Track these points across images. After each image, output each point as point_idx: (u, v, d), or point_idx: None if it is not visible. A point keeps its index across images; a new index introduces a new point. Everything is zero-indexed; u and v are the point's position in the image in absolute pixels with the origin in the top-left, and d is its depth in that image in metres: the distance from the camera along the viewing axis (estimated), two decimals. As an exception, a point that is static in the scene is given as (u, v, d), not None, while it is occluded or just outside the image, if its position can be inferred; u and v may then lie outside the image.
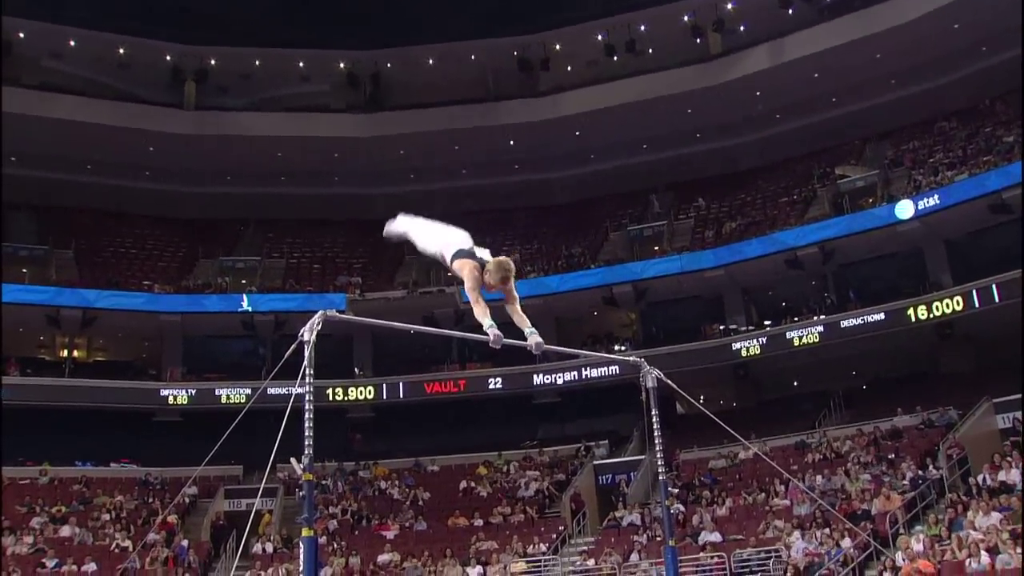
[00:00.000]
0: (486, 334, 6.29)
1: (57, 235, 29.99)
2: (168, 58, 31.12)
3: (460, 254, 6.60)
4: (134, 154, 30.53)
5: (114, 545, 21.41)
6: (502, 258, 6.48)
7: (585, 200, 33.30)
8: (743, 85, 29.16)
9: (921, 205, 24.72)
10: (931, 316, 24.14)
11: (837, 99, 29.65)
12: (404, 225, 7.25)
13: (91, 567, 19.93)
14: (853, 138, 30.58)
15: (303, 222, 34.16)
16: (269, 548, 21.96)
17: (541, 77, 32.14)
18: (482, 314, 6.29)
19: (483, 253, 6.61)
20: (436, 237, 6.96)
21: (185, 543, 21.68)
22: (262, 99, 32.42)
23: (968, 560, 14.09)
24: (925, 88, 28.72)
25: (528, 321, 6.54)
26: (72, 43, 30.15)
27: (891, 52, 27.57)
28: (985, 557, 13.95)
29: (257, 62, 31.92)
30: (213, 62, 31.57)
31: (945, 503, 17.50)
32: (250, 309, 28.51)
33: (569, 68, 32.47)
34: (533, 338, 6.46)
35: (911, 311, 24.43)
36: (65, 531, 22.07)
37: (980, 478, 17.89)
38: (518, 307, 6.54)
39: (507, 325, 6.49)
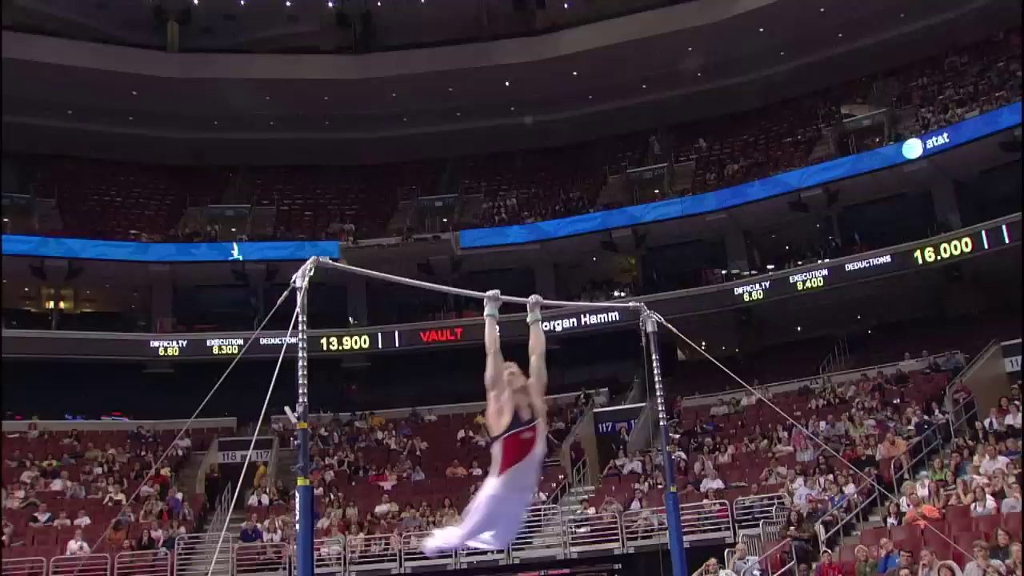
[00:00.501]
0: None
1: (40, 183, 29.35)
2: (150, -2, 30.21)
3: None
4: (117, 98, 29.71)
5: (107, 498, 21.27)
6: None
7: (583, 143, 32.72)
8: (745, 21, 28.34)
9: (929, 144, 24.21)
10: (939, 258, 23.77)
11: (843, 34, 28.86)
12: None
13: (84, 520, 19.77)
14: (860, 75, 29.90)
15: (293, 168, 33.62)
16: (265, 500, 21.95)
17: (537, 15, 31.46)
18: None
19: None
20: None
21: (179, 496, 21.63)
22: (248, 41, 31.60)
23: (973, 504, 13.93)
24: (935, 21, 27.93)
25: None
26: (49, -18, 29.21)
27: (900, -17, 26.81)
28: (990, 501, 13.79)
29: (242, 2, 31.02)
30: (196, 2, 30.70)
31: (951, 448, 17.36)
32: (241, 258, 28.13)
33: (566, 5, 31.72)
34: (533, 297, 6.15)
35: (918, 253, 24.07)
36: (57, 485, 21.91)
37: (987, 422, 17.70)
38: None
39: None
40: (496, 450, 5.48)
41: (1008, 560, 11.32)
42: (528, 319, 5.99)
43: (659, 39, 28.89)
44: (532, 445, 5.45)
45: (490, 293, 5.86)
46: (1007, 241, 22.37)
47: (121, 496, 20.98)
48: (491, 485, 5.44)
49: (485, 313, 5.78)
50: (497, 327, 5.67)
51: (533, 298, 6.11)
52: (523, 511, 5.82)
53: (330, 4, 31.62)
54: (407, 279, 7.14)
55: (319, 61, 31.38)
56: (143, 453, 24.12)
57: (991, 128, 23.26)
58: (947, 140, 23.88)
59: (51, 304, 29.20)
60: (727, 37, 28.82)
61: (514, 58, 30.30)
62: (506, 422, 5.43)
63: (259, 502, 21.76)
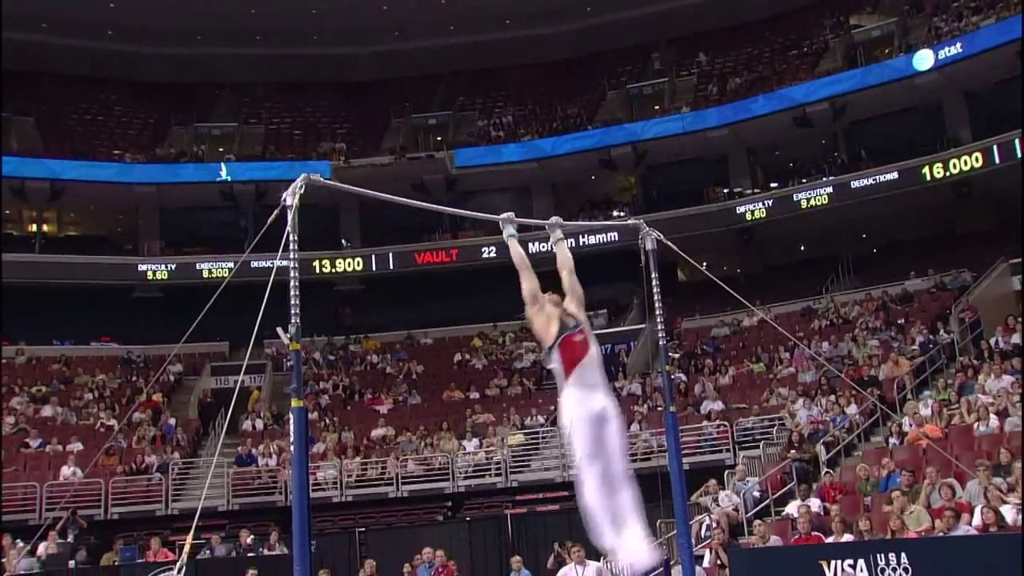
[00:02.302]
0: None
1: (17, 101, 28.27)
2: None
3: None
4: (93, 10, 28.46)
5: (99, 424, 21.28)
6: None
7: (581, 57, 31.79)
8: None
9: (942, 55, 23.43)
10: (948, 174, 23.25)
11: (854, -62, 27.79)
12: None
13: (76, 446, 19.74)
14: (871, -18, 28.78)
15: (282, 85, 32.68)
16: (259, 425, 22.01)
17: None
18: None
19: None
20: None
21: (172, 421, 21.60)
22: (232, -52, 30.21)
23: (976, 423, 13.74)
24: (951, -79, 26.77)
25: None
26: None
27: None
28: (994, 420, 13.59)
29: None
30: (179, -93, 29.21)
31: (955, 367, 17.10)
32: (229, 179, 27.57)
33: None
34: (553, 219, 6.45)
35: (926, 169, 23.55)
36: (47, 411, 21.85)
37: (992, 341, 17.45)
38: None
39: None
40: (555, 357, 5.66)
41: (1010, 478, 11.17)
42: (552, 239, 6.27)
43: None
44: (587, 345, 5.63)
45: (504, 216, 6.06)
46: (1019, 155, 21.71)
47: (113, 422, 21.02)
48: (565, 397, 5.59)
49: (505, 235, 5.98)
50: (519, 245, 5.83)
51: (554, 219, 6.39)
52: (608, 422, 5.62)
53: (318, -90, 30.25)
54: (401, 198, 6.99)
55: (307, -30, 30.12)
56: (134, 378, 23.90)
57: (1008, 36, 22.29)
58: (960, 50, 23.05)
59: (34, 227, 28.65)
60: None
61: (509, -35, 29.24)
62: (555, 330, 5.60)
63: (253, 427, 21.81)
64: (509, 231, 5.98)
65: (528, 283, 5.65)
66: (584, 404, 5.51)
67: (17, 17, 27.27)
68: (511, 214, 6.07)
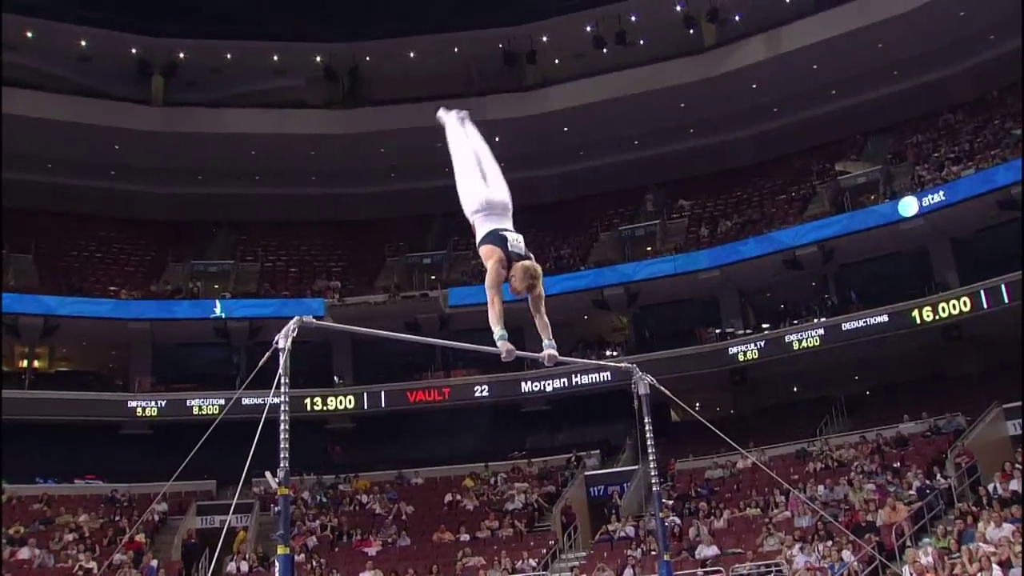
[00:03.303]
0: (496, 344, 6.09)
1: (16, 238, 28.67)
2: (134, 51, 30.02)
3: (488, 238, 6.27)
4: (98, 152, 29.42)
5: (77, 567, 20.58)
6: (528, 263, 6.16)
7: (574, 199, 32.59)
8: (738, 78, 28.44)
9: (925, 202, 23.97)
10: (937, 318, 23.41)
11: (837, 91, 28.96)
12: (451, 137, 6.73)
13: (52, 592, 18.93)
14: (854, 132, 29.88)
15: (278, 223, 33.24)
16: (244, 567, 21.40)
17: (528, 70, 31.39)
18: (495, 319, 6.00)
19: (517, 240, 6.28)
20: (471, 190, 6.46)
21: (155, 563, 21.00)
22: (234, 94, 31.39)
23: (979, 574, 13.62)
24: (929, 79, 28.08)
25: (550, 330, 6.35)
26: (29, 34, 28.86)
27: (892, 41, 26.88)
28: (997, 571, 13.48)
29: (228, 55, 30.87)
30: (182, 55, 30.50)
31: (954, 514, 17.08)
32: (223, 315, 27.66)
33: (557, 61, 31.67)
34: (548, 351, 6.31)
35: (916, 313, 23.70)
36: (24, 553, 21.09)
37: (991, 487, 17.47)
38: (543, 312, 6.30)
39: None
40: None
41: None
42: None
43: (649, 95, 28.94)
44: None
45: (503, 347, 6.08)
46: (1007, 301, 22.00)
47: (93, 564, 20.38)
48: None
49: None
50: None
51: (547, 353, 6.36)
52: None
53: (317, 58, 31.49)
54: (393, 333, 7.24)
55: (306, 115, 31.17)
56: (117, 518, 23.37)
57: (987, 186, 23.05)
58: (943, 198, 23.65)
59: (25, 363, 28.57)
60: (719, 94, 28.86)
61: (503, 113, 30.04)
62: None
63: (238, 569, 21.19)
64: (500, 332, 6.07)
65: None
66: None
67: (21, 157, 28.11)
68: (512, 347, 6.14)
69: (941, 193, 23.73)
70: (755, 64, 28.03)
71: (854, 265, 26.14)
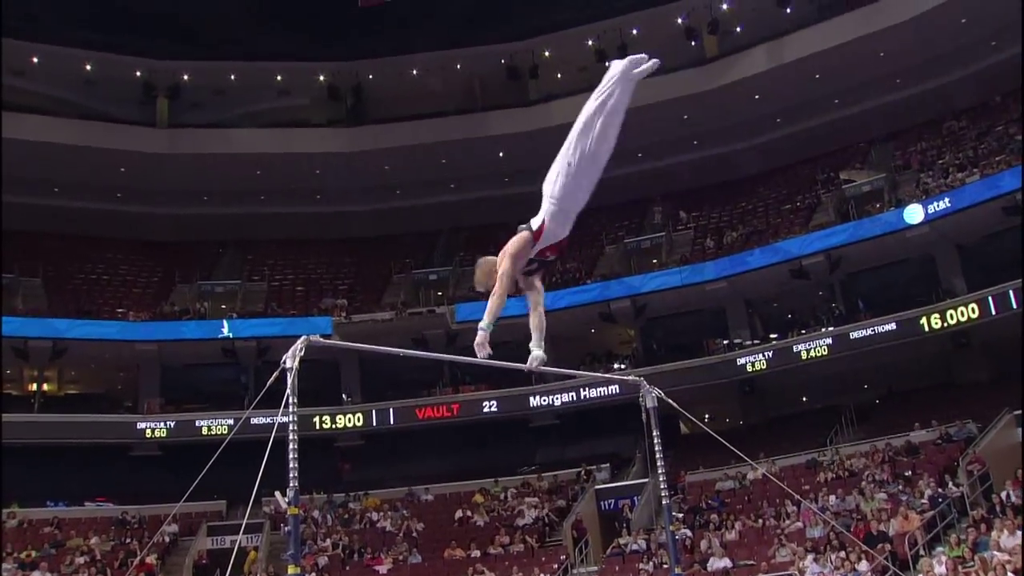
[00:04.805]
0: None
1: (23, 262, 28.83)
2: (138, 74, 30.18)
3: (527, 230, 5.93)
4: (104, 175, 29.50)
5: None
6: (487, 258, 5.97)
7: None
8: (741, 89, 28.45)
9: (931, 209, 24.00)
10: (945, 325, 23.38)
11: (840, 100, 28.93)
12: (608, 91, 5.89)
13: (63, 616, 18.91)
14: (858, 141, 29.87)
15: (285, 242, 33.31)
16: None
17: (531, 85, 31.45)
18: (489, 311, 5.70)
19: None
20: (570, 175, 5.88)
21: None
22: (239, 115, 31.56)
23: None
24: (932, 86, 28.05)
25: (543, 333, 5.95)
26: (35, 60, 29.08)
27: (895, 50, 26.84)
28: None
29: (232, 76, 31.03)
30: (186, 77, 30.69)
31: (967, 522, 17.05)
32: (231, 335, 27.72)
33: (559, 75, 31.69)
34: (534, 352, 5.88)
35: (924, 320, 23.67)
36: (35, 577, 20.95)
37: (1003, 495, 17.42)
38: (541, 311, 6.00)
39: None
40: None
41: None
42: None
43: (653, 107, 28.57)
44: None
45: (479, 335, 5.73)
46: (1014, 307, 21.96)
47: (104, 587, 20.36)
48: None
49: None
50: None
51: (536, 362, 5.93)
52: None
53: (321, 77, 31.63)
54: (400, 350, 7.14)
55: (310, 134, 31.30)
56: (128, 540, 23.37)
57: (992, 192, 23.07)
58: (948, 205, 23.67)
59: (34, 386, 28.60)
60: (722, 104, 28.87)
61: (508, 128, 30.31)
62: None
63: (249, 590, 21.18)
64: (486, 322, 5.76)
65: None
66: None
67: (29, 181, 28.26)
68: (489, 351, 5.82)
69: (946, 200, 23.73)
70: (757, 75, 28.06)
71: (861, 274, 26.13)
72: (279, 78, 31.49)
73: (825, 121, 29.30)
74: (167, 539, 23.66)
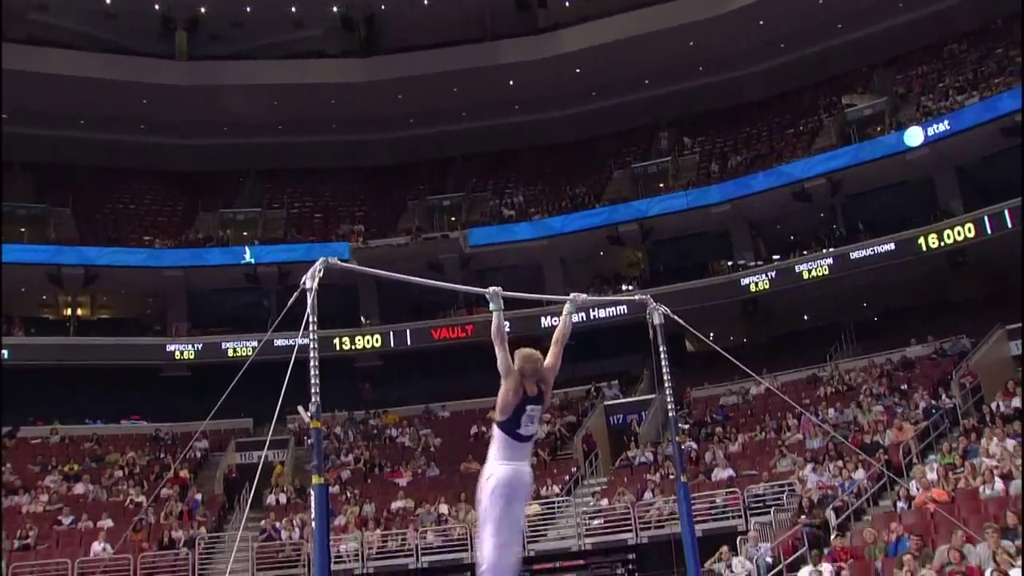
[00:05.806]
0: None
1: (54, 193, 29.69)
2: (157, 7, 30.48)
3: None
4: (127, 107, 30.01)
5: (128, 500, 21.53)
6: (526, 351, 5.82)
7: (587, 139, 32.85)
8: (745, 14, 28.39)
9: (930, 131, 24.28)
10: (942, 245, 23.85)
11: (843, 25, 28.89)
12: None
13: (106, 523, 20.00)
14: (860, 65, 29.93)
15: (303, 171, 33.81)
16: (283, 499, 22.07)
17: (539, 14, 31.51)
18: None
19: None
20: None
21: (198, 496, 21.81)
22: (255, 47, 31.78)
23: (982, 487, 13.97)
24: (933, 10, 27.99)
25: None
26: (56, -8, 29.39)
27: (899, -27, 26.80)
28: (999, 483, 13.81)
29: (248, 9, 31.19)
30: (203, 10, 30.96)
31: (959, 432, 17.36)
32: (253, 261, 28.44)
33: (567, 4, 31.72)
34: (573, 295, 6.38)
35: (922, 240, 24.15)
36: (79, 488, 22.19)
37: (994, 405, 17.77)
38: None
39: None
40: (496, 431, 5.82)
41: (1018, 541, 11.43)
42: (565, 310, 6.25)
43: (659, 35, 28.96)
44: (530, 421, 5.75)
45: (491, 290, 6.02)
46: (1009, 226, 22.44)
47: (142, 498, 21.24)
48: (490, 465, 5.70)
49: (491, 308, 5.96)
50: (503, 319, 5.89)
51: (574, 294, 6.38)
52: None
53: (334, 8, 31.75)
54: (414, 278, 7.14)
55: (325, 65, 31.56)
56: (162, 455, 24.39)
57: (991, 114, 23.36)
58: (948, 127, 23.96)
59: (69, 311, 29.57)
60: (727, 31, 28.92)
61: (517, 57, 30.46)
62: (513, 403, 5.72)
63: (277, 501, 21.93)
64: (493, 305, 5.92)
65: (502, 357, 5.65)
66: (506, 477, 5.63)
67: (56, 114, 28.86)
68: (498, 288, 6.01)
69: (946, 122, 24.03)
70: (762, 1, 27.91)
71: (861, 195, 26.49)
72: (293, 10, 31.61)
73: (828, 46, 29.37)
74: (198, 454, 24.57)
